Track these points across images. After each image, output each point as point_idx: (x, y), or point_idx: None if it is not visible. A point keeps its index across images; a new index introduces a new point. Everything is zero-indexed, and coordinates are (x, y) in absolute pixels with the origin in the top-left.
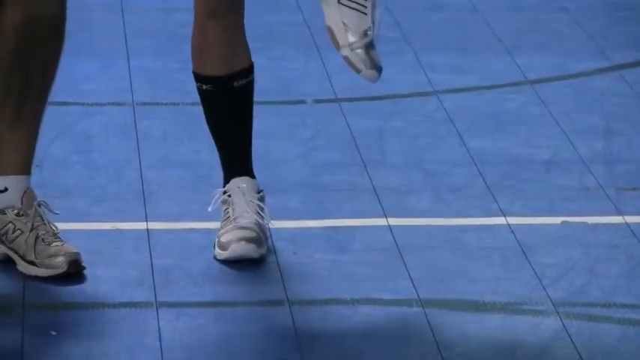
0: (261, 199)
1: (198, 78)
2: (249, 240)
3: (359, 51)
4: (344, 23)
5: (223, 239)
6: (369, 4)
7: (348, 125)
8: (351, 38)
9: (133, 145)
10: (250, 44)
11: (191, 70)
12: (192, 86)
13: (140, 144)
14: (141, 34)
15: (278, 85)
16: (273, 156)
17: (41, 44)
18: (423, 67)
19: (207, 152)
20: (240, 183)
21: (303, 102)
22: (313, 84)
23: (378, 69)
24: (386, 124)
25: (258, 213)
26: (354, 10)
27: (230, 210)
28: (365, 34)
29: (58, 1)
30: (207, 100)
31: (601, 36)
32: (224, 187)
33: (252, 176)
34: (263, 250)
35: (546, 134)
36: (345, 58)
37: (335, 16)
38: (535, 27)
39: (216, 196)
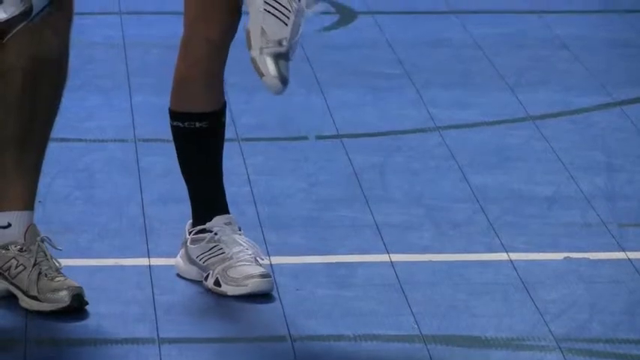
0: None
1: (175, 116)
2: (263, 275)
3: (267, 57)
4: (262, 28)
5: (234, 274)
6: (291, 17)
7: (350, 161)
8: (264, 43)
9: (135, 181)
10: (253, 81)
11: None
12: None
13: (142, 180)
14: (143, 71)
15: (280, 122)
16: (276, 192)
17: (45, 84)
18: (425, 103)
19: None
20: (227, 220)
21: (305, 138)
22: (315, 120)
23: (284, 80)
24: (388, 160)
25: (253, 246)
26: (276, 18)
27: (223, 247)
28: (279, 43)
29: (62, 42)
30: (181, 138)
31: (603, 72)
32: (200, 224)
33: (228, 211)
34: (271, 280)
35: (548, 170)
36: (252, 60)
37: (256, 20)
38: (537, 63)
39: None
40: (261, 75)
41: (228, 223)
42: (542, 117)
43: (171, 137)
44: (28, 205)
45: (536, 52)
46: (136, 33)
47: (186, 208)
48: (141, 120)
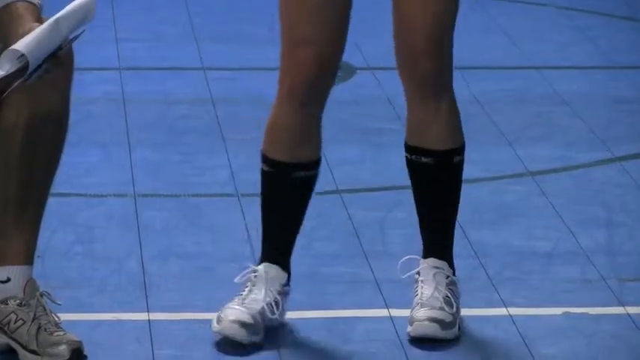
0: (282, 293)
1: (263, 159)
2: (242, 324)
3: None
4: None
5: (222, 313)
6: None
7: (350, 216)
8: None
9: (135, 236)
10: (252, 137)
11: (193, 162)
12: (193, 178)
13: (141, 235)
14: (142, 126)
15: None
16: None
17: (45, 141)
18: None
19: (208, 244)
20: (269, 269)
21: None
22: None
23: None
24: (387, 215)
25: (271, 304)
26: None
27: (247, 290)
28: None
29: (62, 98)
30: (265, 182)
31: (603, 128)
32: (257, 264)
33: (285, 268)
34: (256, 339)
35: (548, 225)
36: None
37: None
38: (536, 119)
39: (247, 271)
40: None
41: (268, 272)
42: (542, 172)
43: (170, 192)
44: (28, 259)
45: (536, 108)
46: (135, 89)
47: (185, 263)
48: (140, 175)
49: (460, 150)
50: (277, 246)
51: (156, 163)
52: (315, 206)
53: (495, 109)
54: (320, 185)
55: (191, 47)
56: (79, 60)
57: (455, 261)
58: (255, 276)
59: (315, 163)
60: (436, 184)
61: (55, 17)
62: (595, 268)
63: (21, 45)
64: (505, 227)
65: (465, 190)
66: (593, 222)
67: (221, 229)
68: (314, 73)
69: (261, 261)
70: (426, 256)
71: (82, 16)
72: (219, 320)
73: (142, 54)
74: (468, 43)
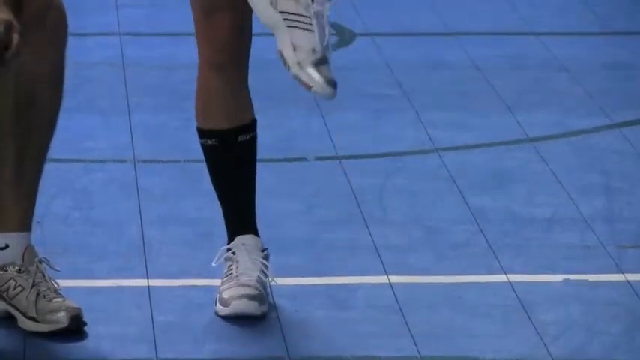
0: (266, 257)
1: (203, 133)
2: (250, 297)
3: (308, 68)
4: (292, 44)
5: (225, 295)
6: (314, 22)
7: (349, 182)
8: (300, 56)
9: (134, 202)
10: (253, 103)
11: (193, 128)
12: (193, 144)
13: (141, 201)
14: (142, 91)
15: (279, 143)
16: (274, 213)
17: (40, 105)
18: (424, 125)
19: (208, 210)
20: (245, 240)
21: (303, 159)
22: (314, 141)
23: (332, 83)
24: (387, 182)
25: (262, 271)
26: (301, 30)
27: (234, 267)
28: (313, 50)
29: (56, 62)
30: (212, 155)
31: (601, 94)
32: (228, 243)
33: (257, 234)
34: (264, 308)
35: (547, 192)
36: (295, 77)
37: (284, 39)
38: (535, 85)
39: (220, 252)
40: (310, 87)
41: (248, 244)
42: (541, 139)
43: (170, 158)
44: (26, 226)
45: (534, 74)
46: (135, 54)
47: (184, 229)
48: (140, 140)
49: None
50: (242, 215)
51: (155, 128)
52: (314, 172)
53: (493, 74)
54: (319, 151)
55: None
56: (79, 25)
57: (454, 227)
58: (234, 252)
59: (254, 123)
60: None
61: None
62: (594, 234)
63: None
64: (504, 193)
65: (464, 156)
66: (592, 189)
67: None
68: (233, 38)
69: (232, 235)
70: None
71: None
72: (223, 303)
73: (142, 19)
74: (466, 8)
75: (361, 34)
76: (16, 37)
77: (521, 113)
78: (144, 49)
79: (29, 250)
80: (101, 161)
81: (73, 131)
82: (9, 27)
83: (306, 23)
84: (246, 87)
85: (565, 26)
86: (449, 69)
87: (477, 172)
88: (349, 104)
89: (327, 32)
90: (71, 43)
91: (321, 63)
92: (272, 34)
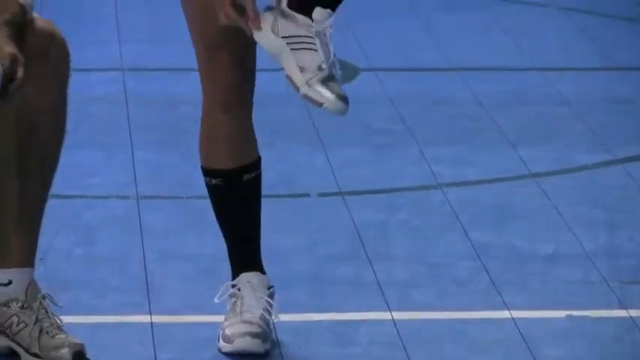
0: (271, 296)
1: (207, 172)
2: (254, 335)
3: (318, 87)
4: (298, 65)
5: (228, 332)
6: (316, 41)
7: (352, 218)
8: (307, 76)
9: (137, 238)
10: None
11: (195, 164)
12: (195, 180)
13: (143, 237)
14: (144, 127)
15: (282, 179)
16: (278, 249)
17: (42, 141)
18: (427, 160)
19: (210, 246)
20: (250, 278)
21: (307, 195)
22: (317, 177)
23: (343, 98)
24: (390, 217)
25: (266, 309)
26: (305, 50)
27: (238, 304)
28: (319, 68)
29: (58, 98)
30: (216, 194)
31: (604, 130)
32: (233, 280)
33: (263, 271)
34: (268, 345)
35: (550, 227)
36: (305, 97)
37: (290, 63)
38: (538, 121)
39: (224, 289)
40: (321, 104)
41: (253, 281)
42: (544, 174)
43: (172, 194)
44: (29, 262)
45: (537, 110)
46: (137, 89)
47: (187, 265)
48: (142, 176)
49: None
50: (248, 253)
51: (158, 164)
52: (318, 208)
53: (496, 110)
54: (322, 187)
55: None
56: (81, 60)
57: (457, 262)
58: (239, 289)
59: (258, 162)
60: None
61: None
62: (597, 270)
63: None
64: (507, 229)
65: (467, 192)
66: (595, 224)
67: None
68: (238, 77)
69: (237, 272)
70: None
71: None
72: (227, 340)
73: (144, 54)
74: (469, 44)
75: (365, 69)
76: (20, 71)
77: (524, 148)
78: (146, 84)
79: (32, 287)
80: (103, 197)
81: (76, 167)
82: (14, 60)
83: (309, 43)
84: (251, 125)
85: (568, 61)
86: (452, 104)
87: (479, 208)
88: (352, 139)
89: (331, 50)
90: (73, 77)
91: (329, 80)
92: (274, 70)
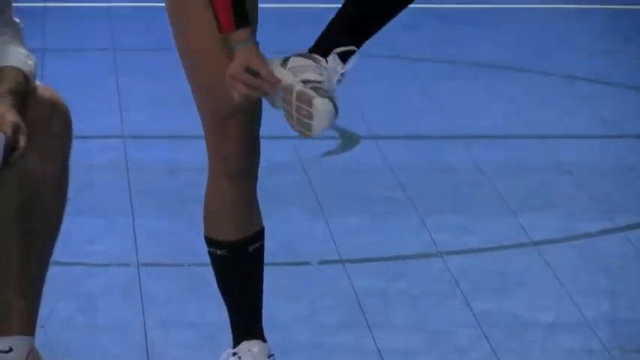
0: None
1: (212, 243)
2: None
3: (310, 90)
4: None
5: None
6: (324, 72)
7: (353, 286)
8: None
9: (138, 305)
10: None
11: (197, 231)
12: (196, 247)
13: (145, 305)
14: (145, 194)
15: (282, 247)
16: (278, 317)
17: (43, 210)
18: (428, 228)
19: (212, 313)
20: (251, 346)
21: (307, 263)
22: (317, 245)
23: (333, 102)
24: (390, 285)
25: None
26: (309, 72)
27: None
28: (318, 82)
29: (60, 167)
30: (221, 264)
31: (605, 198)
32: (234, 347)
33: (264, 339)
34: None
35: (550, 296)
36: (298, 94)
37: (286, 76)
38: (539, 189)
39: (225, 356)
40: (311, 99)
41: (254, 350)
42: (545, 242)
43: (173, 261)
44: (30, 329)
45: (539, 177)
46: (138, 157)
47: (188, 333)
48: (143, 244)
49: None
50: (250, 321)
51: (159, 231)
52: (318, 276)
53: (497, 178)
54: (322, 255)
55: (195, 115)
56: (82, 128)
57: (458, 330)
58: (240, 357)
59: (263, 231)
60: None
61: None
62: (598, 338)
63: None
64: (508, 297)
65: (468, 260)
66: (596, 292)
67: None
68: (244, 148)
69: (238, 340)
70: None
71: None
72: None
73: (145, 122)
74: (470, 111)
75: (365, 137)
76: (22, 139)
77: (525, 217)
78: (147, 152)
79: (33, 354)
80: (104, 265)
81: (76, 234)
82: (16, 129)
83: (315, 69)
84: (255, 194)
85: (569, 129)
86: (453, 172)
87: (480, 276)
88: (353, 207)
89: (334, 87)
90: (74, 145)
91: (324, 94)
92: (272, 137)
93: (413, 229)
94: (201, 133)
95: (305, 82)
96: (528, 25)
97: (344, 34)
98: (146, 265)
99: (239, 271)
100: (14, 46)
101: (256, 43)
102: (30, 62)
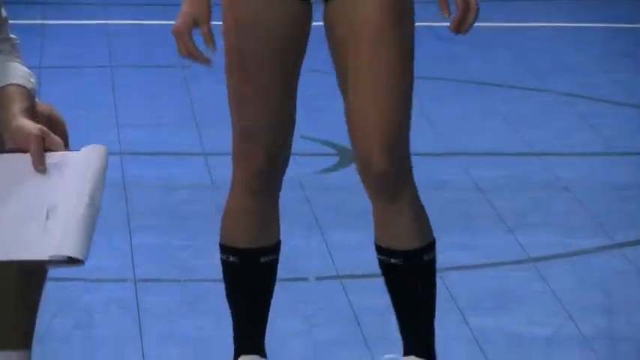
0: None
1: (226, 250)
2: None
3: None
4: None
5: None
6: None
7: (350, 302)
8: None
9: (135, 321)
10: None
11: (193, 247)
12: (193, 263)
13: (142, 320)
14: (143, 211)
15: (280, 262)
16: (275, 333)
17: None
18: None
19: (209, 329)
20: None
21: (304, 279)
22: (315, 261)
23: None
24: (388, 301)
25: None
26: None
27: None
28: None
29: None
30: (231, 272)
31: (603, 214)
32: (235, 358)
33: (264, 355)
34: None
35: (548, 312)
36: None
37: None
38: (537, 206)
39: None
40: None
41: None
42: (543, 259)
43: (170, 278)
44: (26, 344)
45: (536, 195)
46: (135, 174)
47: (185, 349)
48: (141, 260)
49: (428, 248)
50: (253, 335)
51: (156, 247)
52: (315, 292)
53: (495, 195)
54: (320, 271)
55: (192, 133)
56: (80, 145)
57: (455, 347)
58: None
59: (278, 245)
60: (408, 284)
61: (87, 195)
62: (595, 354)
63: (75, 250)
64: (505, 313)
65: (465, 277)
66: (594, 308)
67: (222, 314)
68: (270, 166)
69: (239, 354)
70: (406, 353)
71: (103, 171)
72: None
73: (142, 139)
74: (468, 129)
75: None
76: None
77: (522, 234)
78: (144, 169)
79: None
80: (102, 280)
81: None
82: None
83: None
84: (277, 208)
85: (567, 146)
86: (450, 189)
87: (477, 292)
88: (350, 224)
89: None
90: None
91: None
92: None
93: None
94: (199, 150)
95: None
96: (527, 43)
97: None
98: (143, 280)
99: (248, 281)
100: (15, 63)
101: None
102: (32, 80)
